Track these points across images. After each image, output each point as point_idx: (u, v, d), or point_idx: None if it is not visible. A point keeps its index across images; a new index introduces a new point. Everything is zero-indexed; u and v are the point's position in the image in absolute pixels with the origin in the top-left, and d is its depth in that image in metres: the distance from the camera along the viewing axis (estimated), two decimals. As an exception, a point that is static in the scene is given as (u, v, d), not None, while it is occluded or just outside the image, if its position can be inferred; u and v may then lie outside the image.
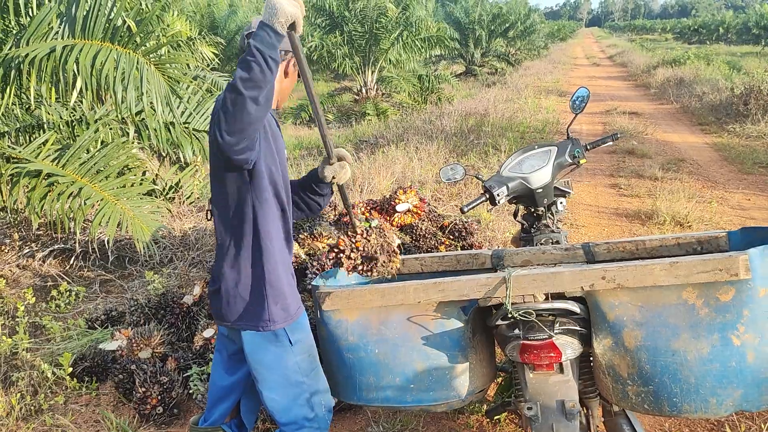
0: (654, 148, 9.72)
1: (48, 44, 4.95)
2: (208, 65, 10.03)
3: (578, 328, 2.18)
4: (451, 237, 4.30)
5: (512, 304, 2.16)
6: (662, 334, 2.00)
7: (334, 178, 2.33)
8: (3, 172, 4.81)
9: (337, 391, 2.46)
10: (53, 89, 5.29)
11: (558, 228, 3.21)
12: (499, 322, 2.23)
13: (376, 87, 18.95)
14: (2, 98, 5.08)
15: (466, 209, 3.08)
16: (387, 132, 11.23)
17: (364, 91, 18.76)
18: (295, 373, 2.26)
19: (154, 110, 5.41)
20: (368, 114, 17.14)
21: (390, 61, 18.81)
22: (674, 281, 1.97)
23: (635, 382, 2.07)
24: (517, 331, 2.17)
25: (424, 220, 4.32)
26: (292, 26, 1.91)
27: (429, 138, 9.80)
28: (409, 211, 4.33)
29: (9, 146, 5.12)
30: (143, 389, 3.20)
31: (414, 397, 2.33)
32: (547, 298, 2.21)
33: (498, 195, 2.99)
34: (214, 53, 10.36)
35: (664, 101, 15.48)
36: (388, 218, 4.32)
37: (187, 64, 7.47)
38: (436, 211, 4.48)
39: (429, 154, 8.71)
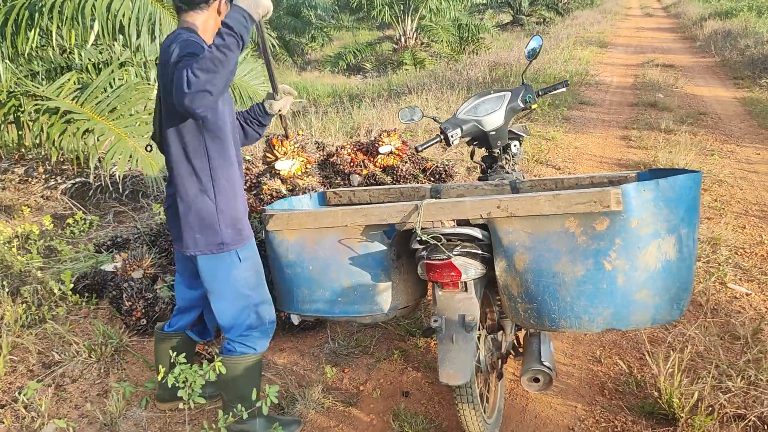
0: (678, 101, 9.62)
1: (67, -12, 5.29)
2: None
3: (481, 252, 2.43)
4: (432, 179, 4.53)
5: (423, 229, 2.41)
6: (546, 257, 2.24)
7: (280, 110, 2.69)
8: (26, 108, 5.22)
9: (278, 302, 2.79)
10: (73, 32, 5.64)
11: (513, 170, 3.42)
12: (415, 245, 2.49)
13: (415, 36, 18.91)
14: (28, 40, 5.47)
15: (420, 148, 3.32)
16: (412, 82, 11.36)
17: (403, 40, 18.74)
18: (243, 287, 2.56)
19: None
20: (405, 63, 17.18)
21: (430, 9, 18.68)
22: (556, 211, 2.19)
23: (523, 300, 2.32)
24: (424, 252, 2.43)
25: (406, 162, 4.56)
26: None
27: (451, 87, 9.92)
28: (391, 153, 4.58)
29: (33, 85, 5.52)
30: (129, 303, 3.59)
31: (341, 309, 2.63)
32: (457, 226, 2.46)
33: (452, 136, 3.22)
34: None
35: (706, 54, 15.08)
36: (372, 159, 4.58)
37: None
38: (419, 154, 4.70)
39: (448, 103, 8.87)
